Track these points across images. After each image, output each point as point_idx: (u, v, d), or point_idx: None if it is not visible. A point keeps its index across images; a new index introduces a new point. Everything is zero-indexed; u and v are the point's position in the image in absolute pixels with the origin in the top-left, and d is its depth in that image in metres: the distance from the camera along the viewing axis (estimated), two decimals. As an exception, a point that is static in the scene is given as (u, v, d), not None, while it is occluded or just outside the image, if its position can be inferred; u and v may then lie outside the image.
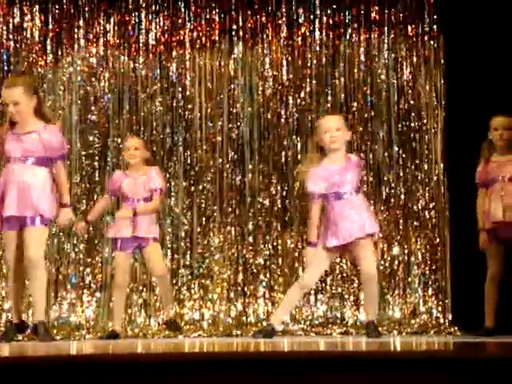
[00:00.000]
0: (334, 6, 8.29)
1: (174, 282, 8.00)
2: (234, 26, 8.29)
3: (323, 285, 8.09)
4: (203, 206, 8.11)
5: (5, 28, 8.03)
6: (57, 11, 8.10)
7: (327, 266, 6.33)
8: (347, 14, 8.31)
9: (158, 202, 6.98)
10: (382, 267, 8.07)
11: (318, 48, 8.31)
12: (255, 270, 8.13)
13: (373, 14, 8.29)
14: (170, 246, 8.06)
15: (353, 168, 6.06)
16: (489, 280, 6.76)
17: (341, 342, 5.57)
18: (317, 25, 8.31)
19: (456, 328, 7.58)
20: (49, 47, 8.10)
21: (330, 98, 8.26)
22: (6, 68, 8.07)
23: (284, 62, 8.30)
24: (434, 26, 8.24)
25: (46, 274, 6.18)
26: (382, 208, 8.21)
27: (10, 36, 8.02)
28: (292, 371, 3.25)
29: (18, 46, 8.04)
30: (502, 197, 6.78)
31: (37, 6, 8.03)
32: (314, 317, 8.03)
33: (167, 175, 8.02)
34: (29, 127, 5.93)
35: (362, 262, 6.01)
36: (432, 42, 8.25)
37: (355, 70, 8.30)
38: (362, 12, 8.26)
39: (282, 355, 3.76)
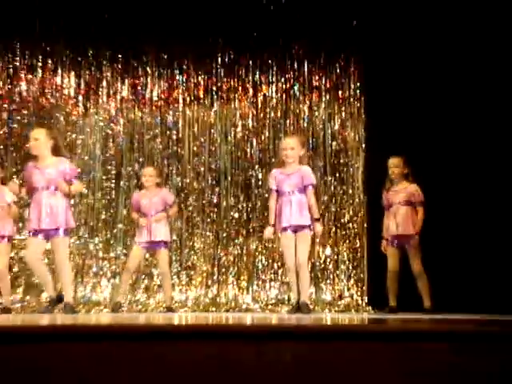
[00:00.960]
0: (287, 76, 8.25)
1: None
2: (214, 88, 8.26)
3: (275, 275, 8.05)
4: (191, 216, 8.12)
5: (49, 88, 8.05)
6: (87, 76, 8.14)
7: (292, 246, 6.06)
8: (295, 81, 8.27)
9: (174, 210, 7.23)
10: (318, 263, 8.00)
11: (274, 105, 8.28)
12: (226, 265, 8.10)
13: (314, 82, 8.25)
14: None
15: (300, 175, 6.08)
16: (389, 273, 6.90)
17: (288, 317, 5.42)
18: (273, 88, 8.29)
19: (370, 307, 7.62)
20: (80, 101, 8.12)
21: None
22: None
23: (250, 114, 8.31)
24: (358, 91, 8.22)
25: (70, 268, 6.34)
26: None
27: (53, 93, 8.05)
28: (254, 339, 3.05)
29: (57, 101, 8.05)
30: (396, 216, 6.91)
31: (72, 72, 8.08)
32: (269, 298, 7.98)
33: None
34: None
35: (297, 251, 6.00)
36: (356, 102, 8.24)
37: (301, 121, 8.28)
38: (307, 80, 8.25)
39: (245, 327, 3.65)
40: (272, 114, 8.33)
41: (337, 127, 8.30)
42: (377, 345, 3.03)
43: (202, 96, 8.30)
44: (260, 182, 8.16)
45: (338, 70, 8.27)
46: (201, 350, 2.99)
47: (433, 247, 6.96)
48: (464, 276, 6.97)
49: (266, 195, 7.96)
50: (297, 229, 6.09)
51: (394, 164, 7.00)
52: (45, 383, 2.95)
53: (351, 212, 8.17)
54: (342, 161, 8.26)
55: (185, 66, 8.25)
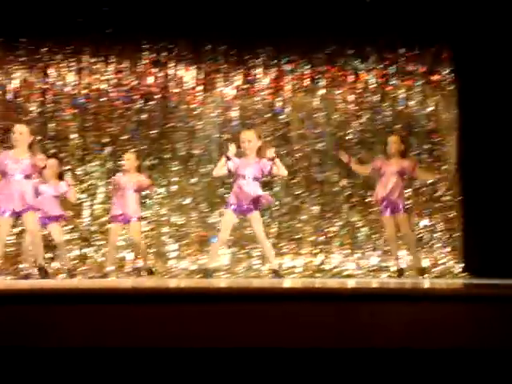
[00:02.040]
0: (385, 63, 8.67)
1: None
2: (319, 76, 8.75)
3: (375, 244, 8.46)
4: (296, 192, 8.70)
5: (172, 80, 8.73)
6: (205, 67, 8.73)
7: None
8: (393, 67, 8.71)
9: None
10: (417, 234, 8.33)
11: (373, 89, 8.69)
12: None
13: (409, 67, 8.67)
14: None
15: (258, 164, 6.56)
16: None
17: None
18: (372, 75, 8.71)
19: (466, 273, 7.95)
20: (200, 91, 8.74)
21: (380, 122, 8.68)
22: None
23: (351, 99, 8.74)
24: (451, 75, 8.56)
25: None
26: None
27: (176, 85, 8.72)
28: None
29: (180, 91, 8.75)
30: None
31: (194, 65, 8.72)
32: (370, 265, 8.39)
33: None
34: None
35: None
36: (449, 86, 8.59)
37: (396, 104, 8.69)
38: (402, 66, 8.68)
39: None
40: (370, 98, 8.79)
41: (431, 109, 8.71)
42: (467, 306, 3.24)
43: (307, 84, 8.81)
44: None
45: (431, 56, 8.68)
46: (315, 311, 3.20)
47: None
48: None
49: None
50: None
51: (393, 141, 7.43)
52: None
53: (446, 186, 8.58)
54: (436, 140, 8.69)
55: (292, 57, 8.79)
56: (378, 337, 3.19)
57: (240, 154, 7.00)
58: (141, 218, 7.83)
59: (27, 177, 6.57)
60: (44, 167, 6.76)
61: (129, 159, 7.82)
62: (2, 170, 6.54)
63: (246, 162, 6.74)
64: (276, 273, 6.90)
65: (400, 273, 7.47)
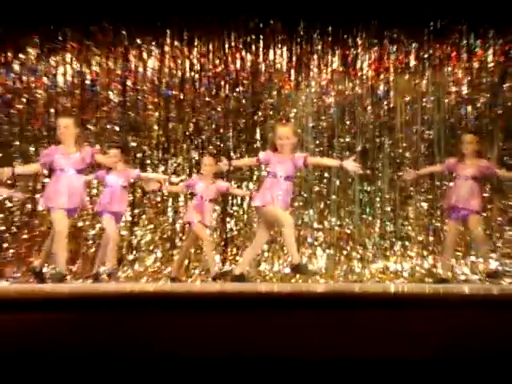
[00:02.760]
0: (506, 38, 7.93)
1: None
2: (426, 55, 8.06)
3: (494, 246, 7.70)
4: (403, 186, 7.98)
5: (264, 63, 8.23)
6: (298, 49, 8.21)
7: None
8: None
9: None
10: None
11: (490, 69, 7.98)
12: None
13: None
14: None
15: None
16: None
17: None
18: (490, 51, 7.99)
19: None
20: (292, 75, 8.21)
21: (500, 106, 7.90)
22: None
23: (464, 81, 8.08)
24: None
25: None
26: None
27: (267, 69, 8.22)
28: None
29: (271, 76, 8.19)
30: None
31: (285, 47, 8.17)
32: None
33: (376, 165, 8.02)
34: None
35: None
36: None
37: None
38: None
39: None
40: (489, 79, 8.06)
41: None
42: None
43: (412, 64, 8.15)
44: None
45: None
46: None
47: None
48: None
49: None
50: None
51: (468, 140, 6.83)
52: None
53: None
54: None
55: (395, 35, 8.12)
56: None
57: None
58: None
59: (79, 172, 6.32)
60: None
61: (209, 165, 7.16)
62: (52, 165, 6.36)
63: (280, 159, 6.20)
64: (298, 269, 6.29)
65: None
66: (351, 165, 6.27)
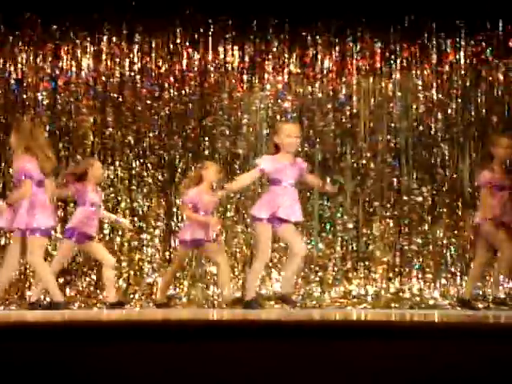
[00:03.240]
0: (478, 38, 7.69)
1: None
2: (393, 56, 7.77)
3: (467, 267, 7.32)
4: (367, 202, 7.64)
5: (214, 63, 7.75)
6: (251, 48, 7.82)
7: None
8: (487, 44, 7.68)
9: None
10: None
11: (462, 72, 7.70)
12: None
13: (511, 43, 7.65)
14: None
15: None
16: None
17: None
18: (462, 53, 7.71)
19: None
20: (245, 76, 7.78)
21: (472, 113, 7.66)
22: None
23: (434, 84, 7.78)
24: None
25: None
26: None
27: (216, 69, 7.77)
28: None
29: (221, 77, 7.76)
30: None
31: (236, 46, 7.73)
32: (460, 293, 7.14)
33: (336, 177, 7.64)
34: None
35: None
36: None
37: (495, 90, 7.67)
38: (502, 42, 7.65)
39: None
40: (460, 83, 7.78)
41: None
42: None
43: (378, 65, 7.84)
44: (447, 161, 7.64)
45: None
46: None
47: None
48: None
49: (455, 175, 7.59)
50: None
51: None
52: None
53: None
54: None
55: (358, 33, 7.77)
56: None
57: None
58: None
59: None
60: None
61: (211, 170, 6.59)
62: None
63: (284, 164, 5.74)
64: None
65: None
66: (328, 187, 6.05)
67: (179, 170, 7.56)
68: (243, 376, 2.84)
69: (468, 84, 7.73)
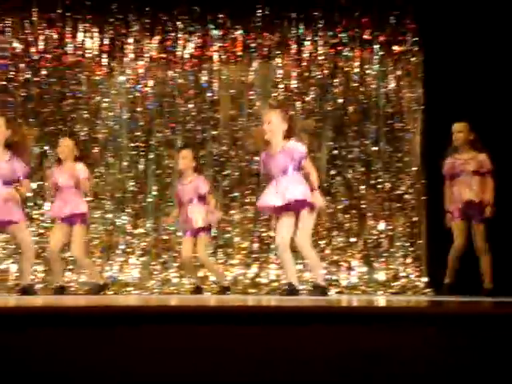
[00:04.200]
0: (336, 30, 7.85)
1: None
2: (253, 44, 7.86)
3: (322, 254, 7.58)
4: (227, 188, 7.71)
5: (72, 45, 7.61)
6: (111, 31, 7.71)
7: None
8: (345, 35, 7.88)
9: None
10: (370, 240, 7.76)
11: (320, 63, 7.86)
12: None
13: (365, 36, 7.87)
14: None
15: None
16: (453, 249, 6.51)
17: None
18: (320, 44, 7.86)
19: (430, 289, 7.33)
20: (105, 60, 7.70)
21: (330, 102, 7.82)
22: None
23: (293, 74, 7.90)
24: (415, 46, 7.84)
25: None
26: (371, 192, 7.80)
27: (77, 52, 7.64)
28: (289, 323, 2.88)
29: (80, 59, 7.64)
30: (464, 186, 6.51)
31: (95, 28, 7.64)
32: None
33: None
34: None
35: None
36: (413, 59, 7.87)
37: (350, 81, 7.91)
38: (357, 34, 7.88)
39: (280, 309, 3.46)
40: (318, 73, 7.94)
41: (391, 87, 7.98)
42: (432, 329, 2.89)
43: (239, 54, 7.92)
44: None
45: (393, 22, 7.92)
46: (230, 332, 2.87)
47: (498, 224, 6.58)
48: None
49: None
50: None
51: (457, 129, 6.59)
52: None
53: (408, 182, 7.89)
54: (397, 125, 7.93)
55: (220, 20, 7.82)
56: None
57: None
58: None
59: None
60: None
61: (185, 157, 6.72)
62: None
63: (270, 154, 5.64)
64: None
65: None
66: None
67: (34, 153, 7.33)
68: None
69: (326, 74, 7.85)
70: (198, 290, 6.80)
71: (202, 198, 6.69)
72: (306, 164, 5.57)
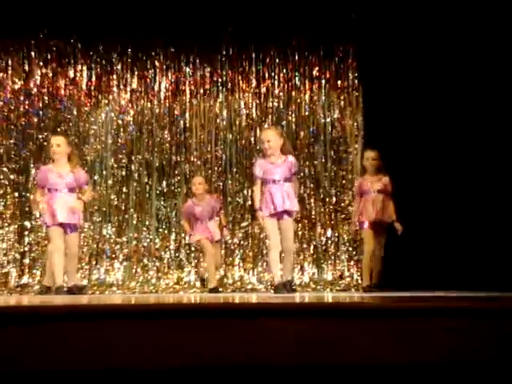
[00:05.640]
0: (289, 67, 8.42)
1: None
2: (220, 79, 8.43)
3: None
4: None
5: (62, 82, 8.25)
6: (98, 69, 8.33)
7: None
8: (297, 72, 8.45)
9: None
10: (319, 245, 8.18)
11: (276, 94, 8.42)
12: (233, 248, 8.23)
13: (314, 72, 8.45)
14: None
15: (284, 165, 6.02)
16: (367, 253, 6.93)
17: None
18: (276, 79, 8.45)
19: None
20: (92, 93, 8.33)
21: (284, 128, 8.26)
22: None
23: (254, 104, 8.49)
24: (356, 81, 8.40)
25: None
26: (320, 204, 8.26)
27: (66, 86, 8.25)
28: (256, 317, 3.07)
29: (71, 93, 8.26)
30: (375, 203, 6.95)
31: (85, 66, 8.30)
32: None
33: (172, 181, 8.28)
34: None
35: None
36: (354, 92, 8.42)
37: (302, 110, 8.46)
38: (307, 70, 8.44)
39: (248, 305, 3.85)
40: (275, 104, 8.50)
41: (336, 115, 8.47)
42: (374, 321, 3.07)
43: (207, 87, 8.48)
44: None
45: (337, 60, 8.45)
46: (207, 327, 3.02)
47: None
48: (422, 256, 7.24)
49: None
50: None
51: (373, 157, 7.11)
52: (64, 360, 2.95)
53: (350, 196, 8.27)
54: (341, 148, 8.43)
55: (191, 59, 8.42)
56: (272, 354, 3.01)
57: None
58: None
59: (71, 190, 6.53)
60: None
61: (201, 183, 7.40)
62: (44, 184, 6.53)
63: (273, 165, 6.08)
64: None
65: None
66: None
67: (32, 173, 7.96)
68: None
69: (281, 104, 8.42)
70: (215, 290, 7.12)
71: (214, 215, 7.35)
72: (295, 178, 6.18)
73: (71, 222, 6.52)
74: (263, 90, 8.54)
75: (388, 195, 7.05)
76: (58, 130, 8.21)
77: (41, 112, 8.23)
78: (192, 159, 8.43)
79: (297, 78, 8.53)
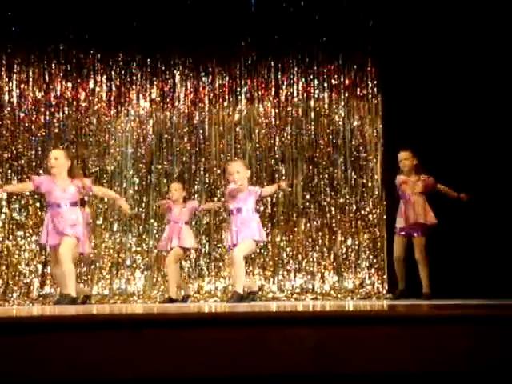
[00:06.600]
0: (309, 76, 8.47)
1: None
2: (238, 88, 8.49)
3: (299, 265, 8.22)
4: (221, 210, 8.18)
5: (83, 92, 8.35)
6: (118, 80, 8.41)
7: None
8: (316, 80, 8.51)
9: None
10: (340, 253, 8.24)
11: (295, 102, 8.47)
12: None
13: (333, 81, 8.51)
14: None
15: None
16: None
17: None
18: (295, 88, 8.49)
19: (391, 294, 7.63)
20: (113, 103, 8.42)
21: (305, 137, 8.41)
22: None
23: (273, 113, 8.53)
24: (375, 89, 8.44)
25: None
26: (340, 212, 8.30)
27: (87, 97, 8.35)
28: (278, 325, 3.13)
29: (91, 104, 8.35)
30: (413, 206, 7.00)
31: (104, 77, 8.39)
32: (294, 288, 8.18)
33: (192, 190, 8.31)
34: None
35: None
36: (374, 99, 8.46)
37: (321, 118, 8.50)
38: (326, 79, 8.50)
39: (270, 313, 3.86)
40: (294, 112, 8.55)
41: (356, 123, 8.51)
42: (393, 329, 3.13)
43: (226, 96, 8.54)
44: (283, 177, 8.38)
45: (356, 68, 8.51)
46: (229, 335, 3.08)
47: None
48: (462, 264, 7.28)
49: (290, 189, 8.30)
50: None
51: (402, 157, 7.18)
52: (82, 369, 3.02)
53: (371, 204, 8.36)
54: (361, 155, 8.47)
55: (210, 69, 8.48)
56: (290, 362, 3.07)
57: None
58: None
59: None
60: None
61: (176, 190, 7.39)
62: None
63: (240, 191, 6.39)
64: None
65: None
66: (284, 184, 6.83)
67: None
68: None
69: (300, 113, 8.45)
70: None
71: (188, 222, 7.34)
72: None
73: (56, 243, 6.35)
74: (282, 98, 8.57)
75: (426, 195, 7.08)
76: (78, 140, 8.29)
77: (61, 123, 8.30)
78: (212, 168, 8.46)
79: (316, 87, 8.57)
